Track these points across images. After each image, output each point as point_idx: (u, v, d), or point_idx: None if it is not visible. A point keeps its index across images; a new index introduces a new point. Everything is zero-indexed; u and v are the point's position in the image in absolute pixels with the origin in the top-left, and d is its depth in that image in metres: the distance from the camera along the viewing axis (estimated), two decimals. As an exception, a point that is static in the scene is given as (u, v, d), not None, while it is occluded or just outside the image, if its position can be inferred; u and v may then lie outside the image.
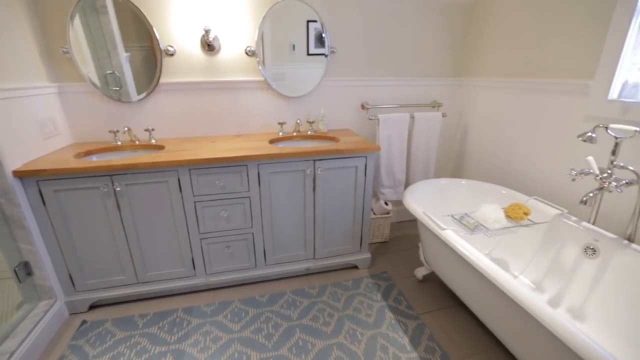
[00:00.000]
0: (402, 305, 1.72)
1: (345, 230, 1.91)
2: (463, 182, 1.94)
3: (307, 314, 1.66)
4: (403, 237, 2.40)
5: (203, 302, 1.75)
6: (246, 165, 1.62)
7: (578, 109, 1.57)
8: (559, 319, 0.92)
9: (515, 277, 1.67)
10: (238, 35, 1.89)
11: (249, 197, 1.68)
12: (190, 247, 1.71)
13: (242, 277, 1.84)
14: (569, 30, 1.59)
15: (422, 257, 1.87)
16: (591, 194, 1.22)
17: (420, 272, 1.89)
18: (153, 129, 1.86)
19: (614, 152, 1.25)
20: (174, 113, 1.95)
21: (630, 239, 1.29)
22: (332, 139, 1.97)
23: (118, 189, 1.49)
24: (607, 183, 1.25)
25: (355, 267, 2.03)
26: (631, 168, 1.22)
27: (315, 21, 1.94)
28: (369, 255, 2.01)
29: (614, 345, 1.24)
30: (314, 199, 1.78)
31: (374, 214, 2.25)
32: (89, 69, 1.73)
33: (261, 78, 1.98)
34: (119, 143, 1.81)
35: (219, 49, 1.89)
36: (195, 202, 1.62)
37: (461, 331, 1.55)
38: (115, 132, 1.80)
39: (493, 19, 2.04)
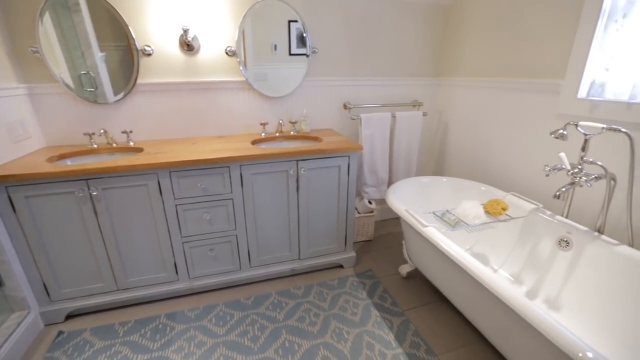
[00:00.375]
0: (387, 302, 1.74)
1: (330, 229, 1.91)
2: (444, 179, 1.99)
3: (293, 314, 1.66)
4: (387, 235, 2.43)
5: (187, 307, 1.71)
6: (228, 167, 1.60)
7: (550, 108, 1.64)
8: (535, 310, 0.96)
9: (495, 270, 1.72)
10: (218, 35, 1.86)
11: (231, 198, 1.66)
12: (172, 251, 1.67)
13: (227, 280, 1.82)
14: (540, 32, 1.65)
15: (405, 254, 1.90)
16: (563, 189, 1.27)
17: (405, 269, 1.92)
18: (131, 131, 1.81)
19: (583, 148, 1.31)
20: (153, 114, 1.90)
21: (600, 231, 1.35)
22: (315, 139, 1.98)
23: (94, 193, 1.44)
24: (578, 178, 1.31)
25: (341, 266, 2.04)
26: (599, 163, 1.28)
27: (296, 21, 1.94)
28: (353, 254, 2.02)
29: (586, 332, 1.30)
30: (298, 199, 1.77)
31: (358, 212, 2.27)
32: (61, 69, 1.66)
33: (242, 78, 1.96)
34: (95, 146, 1.75)
35: (199, 49, 1.86)
36: (176, 205, 1.59)
37: (445, 326, 1.58)
38: (90, 135, 1.74)
39: (469, 21, 2.09)
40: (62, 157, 1.63)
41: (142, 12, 1.72)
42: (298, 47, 2.00)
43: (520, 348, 1.13)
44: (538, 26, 1.66)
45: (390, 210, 2.65)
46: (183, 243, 1.67)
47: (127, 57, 1.75)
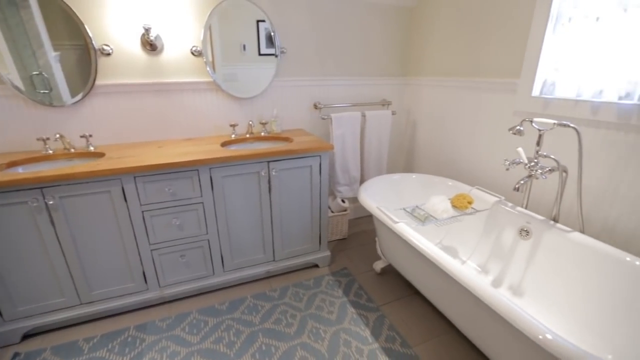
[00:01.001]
0: (363, 299, 1.76)
1: (304, 230, 1.91)
2: (413, 176, 2.05)
3: (270, 317, 1.64)
4: (361, 232, 2.47)
5: (158, 317, 1.65)
6: (197, 170, 1.56)
7: (508, 105, 1.74)
8: (499, 298, 1.01)
9: (464, 262, 1.80)
10: (182, 35, 1.81)
11: (202, 202, 1.62)
12: (140, 259, 1.60)
13: (200, 286, 1.77)
14: (497, 34, 1.74)
15: (379, 251, 1.93)
16: (522, 182, 1.35)
17: (379, 265, 1.96)
18: (91, 135, 1.71)
19: (538, 143, 1.40)
20: (115, 117, 1.81)
21: (555, 220, 1.45)
22: (286, 139, 1.97)
23: (51, 202, 1.35)
24: (534, 171, 1.39)
25: (316, 265, 2.05)
26: (552, 157, 1.37)
27: (264, 21, 1.92)
28: (328, 253, 2.04)
29: (546, 315, 1.39)
30: (270, 201, 1.76)
31: (332, 211, 2.28)
32: (9, 69, 1.54)
33: (210, 79, 1.92)
34: (50, 152, 1.64)
35: (162, 49, 1.80)
36: (143, 211, 1.52)
37: (419, 318, 1.63)
38: (45, 140, 1.62)
39: (433, 23, 2.17)
40: (12, 164, 1.52)
41: (99, 10, 1.63)
42: (267, 47, 1.98)
43: (488, 334, 1.19)
44: (495, 28, 1.75)
45: (363, 208, 2.69)
46: (152, 250, 1.61)
47: (84, 56, 1.66)
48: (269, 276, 1.96)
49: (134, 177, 1.45)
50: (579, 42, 1.39)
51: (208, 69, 1.87)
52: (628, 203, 1.30)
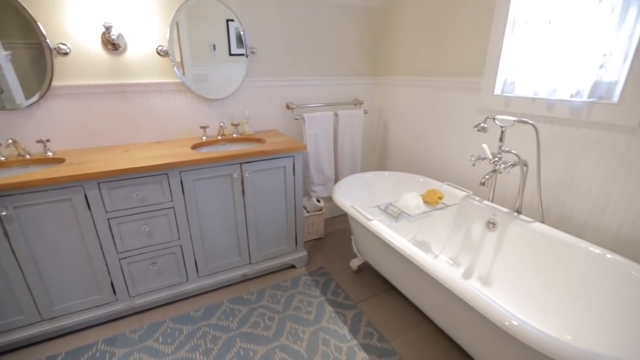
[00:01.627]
0: (340, 297, 1.78)
1: (279, 231, 1.90)
2: (386, 174, 2.09)
3: (247, 321, 1.62)
4: (337, 231, 2.49)
5: (129, 329, 1.58)
6: (167, 174, 1.51)
7: (473, 104, 1.81)
8: (469, 288, 1.06)
9: (436, 256, 1.86)
10: (146, 34, 1.74)
11: (172, 207, 1.57)
12: (108, 269, 1.52)
13: (173, 293, 1.71)
14: (461, 35, 1.82)
15: (355, 249, 1.96)
16: (487, 176, 1.42)
17: (355, 263, 1.98)
18: (48, 140, 1.61)
19: (501, 139, 1.47)
20: (76, 121, 1.71)
21: (519, 211, 1.53)
22: (259, 140, 1.95)
23: (4, 213, 1.26)
24: (498, 166, 1.46)
25: (293, 266, 2.04)
26: (514, 152, 1.45)
27: (234, 20, 1.89)
28: (305, 253, 2.04)
29: (512, 301, 1.46)
30: (244, 203, 1.73)
31: (307, 211, 2.29)
32: (-49, 71, 1.42)
33: (178, 80, 1.86)
34: (2, 159, 1.53)
35: (125, 48, 1.72)
36: (109, 219, 1.45)
37: (395, 313, 1.67)
38: (-4, 146, 1.51)
39: (401, 23, 2.23)
40: (-41, 173, 1.40)
41: (53, 7, 1.53)
42: (238, 47, 1.95)
43: (460, 324, 1.24)
44: (459, 29, 1.82)
45: (339, 207, 2.71)
46: (120, 260, 1.54)
47: (39, 56, 1.55)
48: (245, 279, 1.93)
49: (98, 184, 1.38)
50: (535, 44, 1.47)
51: (176, 69, 1.82)
52: (581, 194, 1.40)
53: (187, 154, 1.59)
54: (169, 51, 1.78)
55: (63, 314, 1.50)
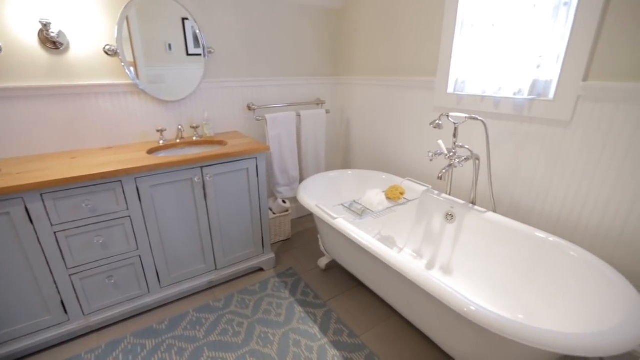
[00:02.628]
0: (310, 296, 1.78)
1: (245, 234, 1.86)
2: (350, 172, 2.13)
3: (215, 329, 1.57)
4: (304, 231, 2.49)
5: (84, 349, 1.47)
6: (120, 181, 1.42)
7: (429, 102, 1.90)
8: (430, 279, 1.10)
9: (401, 249, 1.92)
10: (91, 32, 1.62)
11: (128, 216, 1.48)
12: (57, 287, 1.41)
13: (134, 307, 1.62)
14: (415, 36, 1.89)
15: (322, 247, 1.97)
16: (444, 171, 1.49)
17: (323, 262, 2.00)
18: (-21, 149, 1.46)
19: (454, 135, 1.56)
20: (11, 127, 1.56)
21: (474, 203, 1.63)
22: (220, 142, 1.90)
23: None
24: (453, 160, 1.55)
25: (261, 269, 2.02)
26: (467, 147, 1.53)
27: (189, 19, 1.82)
28: (273, 255, 2.02)
29: (472, 287, 1.55)
30: (207, 208, 1.68)
31: (273, 213, 2.27)
32: None
33: (129, 81, 1.76)
34: None
35: (68, 48, 1.59)
36: (55, 232, 1.34)
37: (363, 308, 1.70)
38: None
39: (359, 24, 2.28)
40: None
41: (-20, 2, 1.39)
42: (196, 46, 1.88)
43: (424, 313, 1.29)
44: (413, 31, 1.90)
45: (305, 207, 2.72)
46: (70, 275, 1.42)
47: (-38, 56, 1.40)
48: (211, 286, 1.87)
49: (41, 195, 1.27)
50: (481, 45, 1.57)
51: (126, 70, 1.72)
52: (527, 183, 1.52)
53: (142, 159, 1.51)
54: (118, 50, 1.68)
55: (6, 339, 1.36)
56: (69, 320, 1.48)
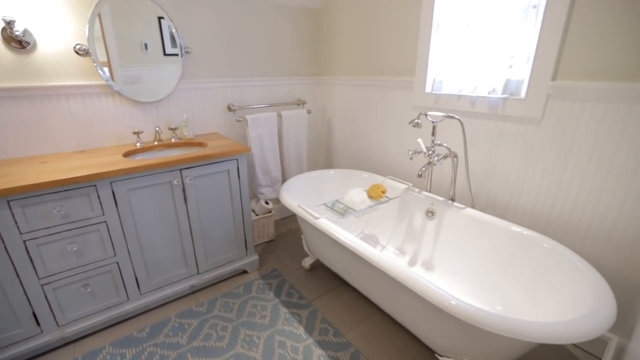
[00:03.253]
0: (295, 297, 1.78)
1: (228, 236, 1.84)
2: (332, 172, 2.14)
3: (198, 334, 1.54)
4: (288, 232, 2.48)
5: (59, 362, 1.41)
6: (95, 185, 1.37)
7: (408, 101, 1.93)
8: (412, 275, 1.13)
9: (384, 247, 1.95)
10: (60, 31, 1.56)
11: (104, 221, 1.43)
12: (28, 299, 1.34)
13: (112, 315, 1.56)
14: (394, 36, 1.92)
15: (305, 248, 1.97)
16: (423, 168, 1.52)
17: (307, 262, 2.00)
18: (-62, 155, 1.37)
19: (433, 133, 1.59)
20: (-26, 131, 1.48)
21: (453, 199, 1.67)
22: (199, 144, 1.86)
23: None
24: (432, 158, 1.58)
25: (245, 271, 1.99)
26: (445, 145, 1.57)
27: (165, 18, 1.78)
28: (256, 257, 2.00)
29: (452, 282, 1.59)
30: (187, 211, 1.64)
31: (256, 214, 2.25)
32: None
33: (103, 82, 1.69)
34: None
35: (35, 47, 1.52)
36: (25, 240, 1.28)
37: (348, 307, 1.71)
38: None
39: (339, 24, 2.29)
40: None
41: None
42: (173, 46, 1.84)
43: (407, 309, 1.31)
44: (391, 31, 1.93)
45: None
46: (42, 286, 1.36)
47: None
48: (194, 291, 1.83)
49: (8, 202, 1.21)
50: (457, 46, 1.62)
51: (99, 70, 1.66)
52: (502, 179, 1.57)
53: (118, 163, 1.46)
54: (89, 50, 1.62)
55: (-28, 356, 1.29)
56: (42, 332, 1.41)
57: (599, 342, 1.38)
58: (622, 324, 1.31)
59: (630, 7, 1.11)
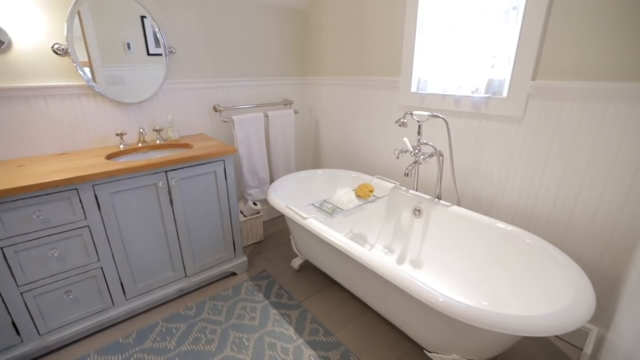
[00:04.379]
0: (284, 298, 1.77)
1: (215, 238, 1.82)
2: (319, 172, 2.14)
3: (187, 338, 1.52)
4: (277, 232, 2.47)
5: (41, 371, 1.37)
6: (76, 189, 1.33)
7: (394, 100, 1.95)
8: (400, 273, 1.14)
9: (372, 246, 1.96)
10: (36, 29, 1.51)
11: (87, 226, 1.39)
12: (6, 307, 1.30)
13: (97, 322, 1.52)
14: (379, 37, 1.94)
15: (294, 248, 1.97)
16: (410, 167, 1.54)
17: (296, 263, 2.00)
18: None
19: (419, 132, 1.61)
20: (-54, 134, 1.42)
21: (439, 197, 1.69)
22: (185, 146, 1.83)
23: None
24: (418, 157, 1.60)
25: (234, 273, 1.98)
26: (430, 144, 1.59)
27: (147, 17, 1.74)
28: (245, 258, 1.98)
29: (440, 279, 1.62)
30: (174, 213, 1.62)
31: (244, 216, 2.23)
32: None
33: (84, 82, 1.65)
34: None
35: (10, 46, 1.47)
36: (2, 247, 1.23)
37: (338, 306, 1.72)
38: None
39: (325, 24, 2.29)
40: None
41: None
42: (156, 46, 1.81)
43: (396, 307, 1.33)
44: (377, 31, 1.94)
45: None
46: (22, 293, 1.32)
47: None
48: (182, 294, 1.81)
49: (-16, 207, 1.17)
50: (441, 46, 1.64)
51: (79, 70, 1.61)
52: (487, 177, 1.61)
53: (100, 165, 1.43)
54: (69, 49, 1.57)
55: (-53, 369, 1.24)
56: (22, 342, 1.37)
57: (581, 333, 1.42)
58: (601, 315, 1.36)
59: (606, 8, 1.15)
